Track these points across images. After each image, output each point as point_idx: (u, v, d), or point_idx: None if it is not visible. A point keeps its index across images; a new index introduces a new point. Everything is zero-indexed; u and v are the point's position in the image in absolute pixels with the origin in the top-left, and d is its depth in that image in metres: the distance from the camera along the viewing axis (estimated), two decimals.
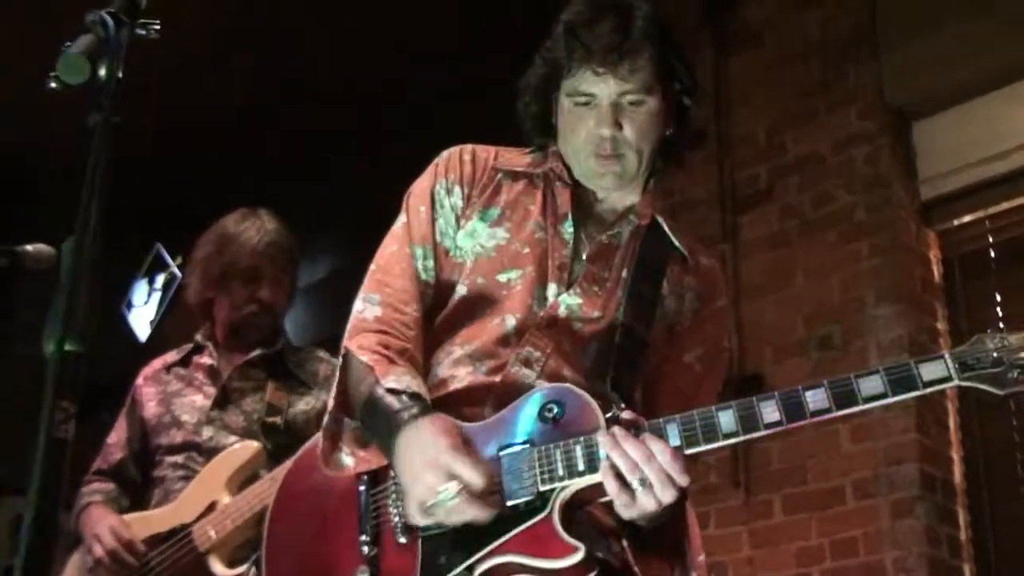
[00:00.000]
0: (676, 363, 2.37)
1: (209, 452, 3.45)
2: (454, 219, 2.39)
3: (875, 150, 5.30)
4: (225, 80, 6.70)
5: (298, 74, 6.75)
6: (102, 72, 1.70)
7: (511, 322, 2.26)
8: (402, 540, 2.12)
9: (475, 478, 2.00)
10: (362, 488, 2.21)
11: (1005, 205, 5.11)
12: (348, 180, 7.11)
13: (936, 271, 5.24)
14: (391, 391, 2.13)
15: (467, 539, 2.04)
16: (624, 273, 2.34)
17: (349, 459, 2.24)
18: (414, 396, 2.13)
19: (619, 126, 2.27)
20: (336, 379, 2.27)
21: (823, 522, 4.95)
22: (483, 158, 2.45)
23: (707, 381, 2.39)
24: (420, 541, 2.09)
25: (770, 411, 2.00)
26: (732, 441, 2.02)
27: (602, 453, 2.01)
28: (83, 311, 1.56)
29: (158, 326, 7.18)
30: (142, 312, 7.48)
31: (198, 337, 3.75)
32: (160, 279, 7.42)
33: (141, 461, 3.64)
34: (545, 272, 2.30)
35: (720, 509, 5.26)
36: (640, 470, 1.96)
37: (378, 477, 2.21)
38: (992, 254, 5.11)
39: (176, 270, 7.19)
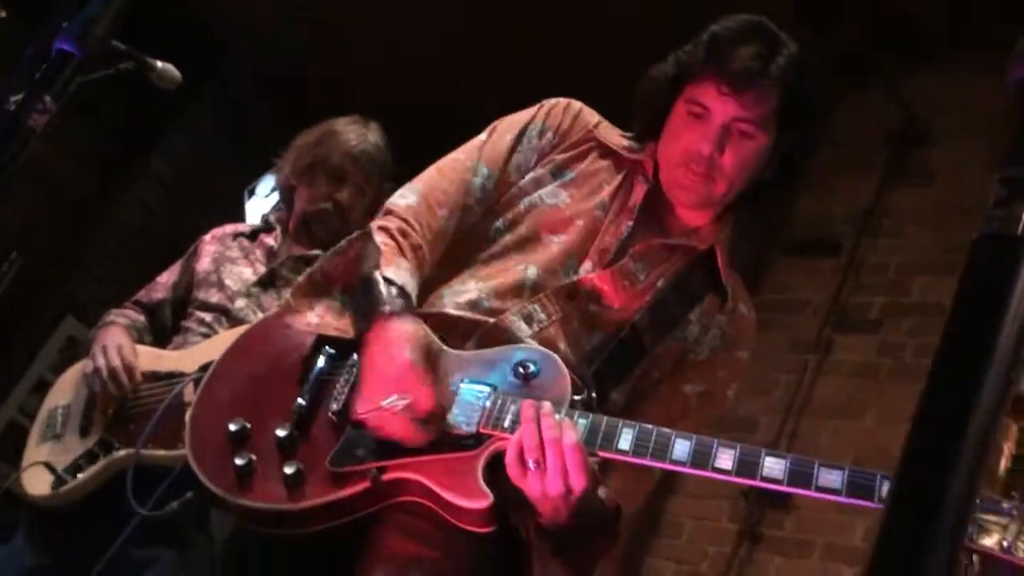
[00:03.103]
0: (674, 389, 2.33)
1: (235, 321, 3.50)
2: (533, 161, 2.38)
3: None
4: None
5: None
6: None
7: (532, 275, 2.25)
8: (334, 419, 2.13)
9: (422, 403, 2.00)
10: (322, 357, 2.22)
11: None
12: None
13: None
14: (387, 280, 2.13)
15: (390, 443, 2.04)
16: (660, 283, 2.31)
17: (315, 317, 2.24)
18: (403, 294, 2.13)
19: (721, 150, 2.22)
20: (344, 246, 2.27)
21: None
22: (586, 120, 2.42)
23: (697, 414, 2.33)
24: (348, 426, 2.10)
25: (725, 459, 1.94)
26: (678, 468, 1.96)
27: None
28: (104, 30, 1.58)
29: None
30: (260, 203, 7.57)
31: (271, 218, 3.85)
32: None
33: (178, 309, 3.73)
34: (587, 249, 2.28)
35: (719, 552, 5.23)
36: (540, 452, 1.93)
37: (343, 352, 2.22)
38: None
39: None
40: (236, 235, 3.81)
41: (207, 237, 3.84)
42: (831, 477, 1.90)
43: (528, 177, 2.36)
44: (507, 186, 2.36)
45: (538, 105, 2.44)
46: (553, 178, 2.35)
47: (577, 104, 2.44)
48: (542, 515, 2.02)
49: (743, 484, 1.99)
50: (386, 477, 2.02)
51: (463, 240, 2.34)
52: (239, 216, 7.20)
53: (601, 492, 2.18)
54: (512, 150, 2.37)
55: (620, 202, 2.33)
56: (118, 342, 3.48)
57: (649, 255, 2.31)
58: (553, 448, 1.92)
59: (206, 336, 3.52)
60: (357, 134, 3.67)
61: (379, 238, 2.21)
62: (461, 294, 2.26)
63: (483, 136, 2.41)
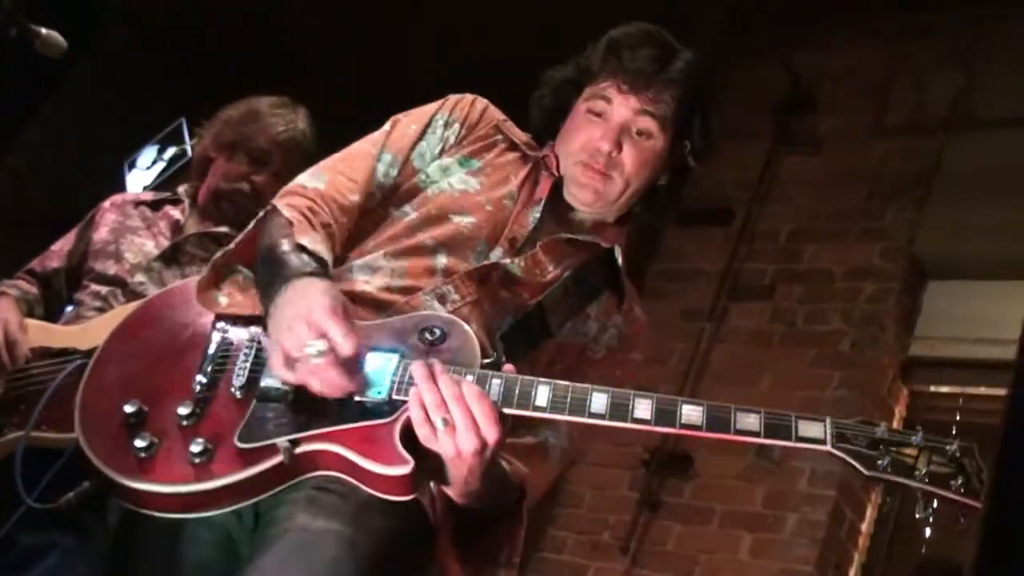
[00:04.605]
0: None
1: (132, 296, 3.37)
2: (439, 150, 2.38)
3: (884, 291, 5.25)
4: None
5: None
6: None
7: (442, 258, 2.23)
8: (237, 395, 2.06)
9: (345, 343, 1.93)
10: (218, 334, 2.16)
11: (983, 390, 5.05)
12: None
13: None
14: (300, 247, 2.09)
15: (301, 415, 1.98)
16: (566, 274, 2.33)
17: (224, 298, 2.20)
18: (319, 260, 2.09)
19: (619, 148, 2.28)
20: (250, 227, 2.24)
21: None
22: (492, 116, 2.45)
23: None
24: (254, 401, 2.03)
25: (643, 409, 1.94)
26: (597, 422, 1.94)
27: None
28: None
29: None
30: (141, 176, 7.39)
31: (180, 189, 3.70)
32: (171, 151, 7.33)
33: (73, 279, 3.58)
34: (497, 236, 2.28)
35: (601, 568, 5.20)
36: (445, 409, 1.90)
37: (238, 327, 2.16)
38: (954, 431, 5.00)
39: (189, 149, 7.10)
40: (138, 203, 3.66)
41: (106, 204, 3.68)
42: (749, 420, 1.92)
43: (434, 165, 2.37)
44: (411, 173, 2.36)
45: (443, 100, 2.46)
46: (460, 166, 2.37)
47: (483, 100, 2.47)
48: (453, 482, 1.99)
49: (661, 432, 1.99)
50: (299, 451, 1.95)
51: (364, 224, 2.32)
52: (118, 189, 7.02)
53: (506, 465, 2.15)
54: (417, 139, 2.39)
55: (527, 193, 2.36)
56: (3, 316, 3.34)
57: (557, 249, 2.33)
58: (458, 403, 1.90)
59: (101, 310, 3.39)
60: (286, 120, 3.56)
61: (287, 213, 2.17)
62: (372, 272, 2.23)
63: (386, 127, 2.42)
